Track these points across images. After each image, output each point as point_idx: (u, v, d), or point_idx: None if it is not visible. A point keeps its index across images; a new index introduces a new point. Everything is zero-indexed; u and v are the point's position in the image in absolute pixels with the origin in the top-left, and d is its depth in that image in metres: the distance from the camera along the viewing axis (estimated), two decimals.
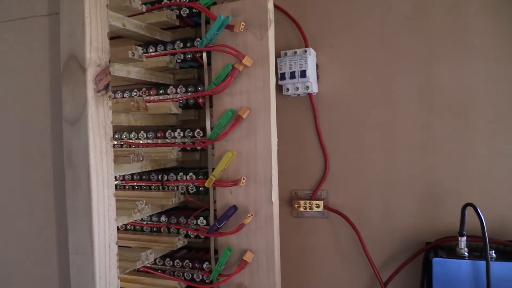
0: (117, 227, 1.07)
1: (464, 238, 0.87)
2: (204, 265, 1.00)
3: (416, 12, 0.98)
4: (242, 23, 0.91)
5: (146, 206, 0.92)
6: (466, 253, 0.87)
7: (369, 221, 1.03)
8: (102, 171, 0.74)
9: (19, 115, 0.82)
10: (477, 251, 0.88)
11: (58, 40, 0.73)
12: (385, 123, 1.01)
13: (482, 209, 0.87)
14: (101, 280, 0.74)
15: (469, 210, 0.86)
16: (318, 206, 1.05)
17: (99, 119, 0.74)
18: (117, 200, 0.96)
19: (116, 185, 1.08)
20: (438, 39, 0.97)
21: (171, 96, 1.03)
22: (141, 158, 0.89)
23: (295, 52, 1.00)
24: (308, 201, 1.06)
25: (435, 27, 0.97)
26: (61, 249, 0.77)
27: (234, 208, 0.95)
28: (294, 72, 0.99)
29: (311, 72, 1.00)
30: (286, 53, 1.01)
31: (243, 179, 0.92)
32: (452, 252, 0.89)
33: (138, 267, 0.90)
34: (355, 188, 1.04)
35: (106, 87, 0.75)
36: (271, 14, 0.92)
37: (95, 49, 0.73)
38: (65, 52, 0.73)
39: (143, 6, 0.90)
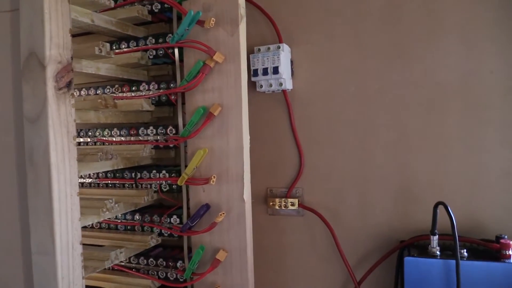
0: (91, 225, 1.07)
1: (436, 237, 0.86)
2: (178, 264, 0.99)
3: (391, 7, 0.97)
4: (213, 18, 0.89)
5: (116, 205, 0.91)
6: (438, 252, 0.86)
7: (344, 219, 1.02)
8: (64, 170, 0.73)
9: None
10: (450, 250, 0.87)
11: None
12: (360, 120, 1.00)
13: (456, 207, 0.87)
14: (64, 280, 0.72)
15: (442, 208, 0.85)
16: (293, 204, 1.04)
17: (60, 117, 0.72)
18: (87, 199, 0.96)
19: (90, 183, 1.08)
20: (412, 34, 0.96)
21: (143, 93, 1.01)
22: (110, 156, 0.88)
23: (269, 48, 0.99)
24: (283, 199, 1.05)
25: (409, 22, 0.96)
26: (26, 249, 0.76)
27: (206, 206, 0.94)
28: (266, 68, 0.97)
29: (285, 69, 0.98)
30: (259, 49, 1.00)
31: (214, 177, 0.91)
32: (424, 251, 0.88)
33: (106, 267, 0.89)
34: (330, 186, 1.03)
35: (68, 85, 0.74)
36: (242, 10, 0.91)
37: (55, 45, 0.71)
38: (25, 49, 0.71)
39: (111, 1, 0.89)
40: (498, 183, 0.90)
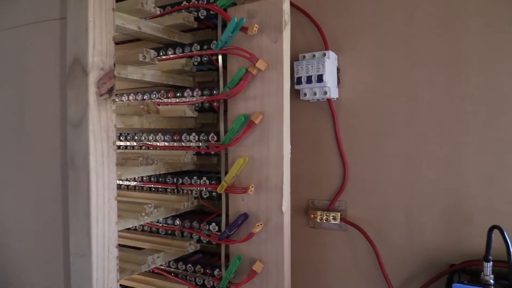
0: (134, 227, 1.09)
1: (489, 264, 0.78)
2: (215, 272, 0.99)
3: (446, 12, 0.90)
4: (256, 25, 0.88)
5: (155, 210, 0.92)
6: (492, 281, 0.78)
7: (389, 237, 0.96)
8: (102, 174, 0.74)
9: (31, 117, 0.84)
10: (506, 279, 0.79)
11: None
12: (409, 133, 0.94)
13: None
14: (99, 282, 0.74)
15: (498, 232, 0.78)
16: (334, 218, 0.99)
17: (101, 123, 0.74)
18: (128, 202, 0.98)
19: (134, 186, 1.11)
20: (468, 42, 0.88)
21: (187, 99, 1.02)
22: (151, 162, 0.89)
23: (314, 55, 0.96)
24: (325, 212, 1.01)
25: (466, 29, 0.88)
26: (66, 250, 0.78)
27: (244, 216, 0.92)
28: (311, 76, 0.94)
29: (330, 77, 0.95)
30: (304, 56, 0.97)
31: (252, 187, 0.89)
32: (476, 278, 0.81)
33: (143, 270, 0.90)
34: (375, 201, 0.98)
35: (110, 91, 0.75)
36: (286, 16, 0.89)
37: (98, 52, 0.73)
38: (70, 56, 0.74)
39: (157, 8, 0.90)
40: None
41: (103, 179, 0.74)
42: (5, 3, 0.88)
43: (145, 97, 1.08)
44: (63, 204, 0.79)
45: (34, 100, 0.84)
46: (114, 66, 0.76)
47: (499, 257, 0.79)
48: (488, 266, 0.79)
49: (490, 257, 0.78)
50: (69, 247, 0.76)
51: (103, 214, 0.74)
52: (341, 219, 0.99)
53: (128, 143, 1.12)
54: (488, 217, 0.86)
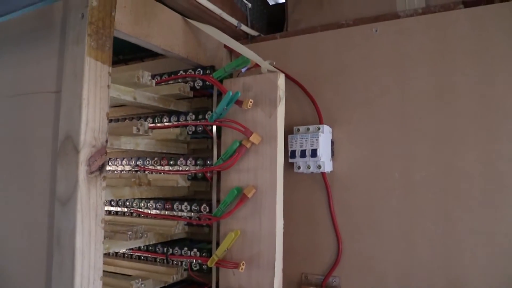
0: None
1: None
2: None
3: (440, 90, 0.91)
4: (251, 100, 0.88)
5: (143, 285, 0.89)
6: None
7: None
8: (89, 254, 0.72)
9: (20, 190, 0.82)
10: None
11: None
12: (404, 209, 0.92)
13: None
14: None
15: None
16: None
17: (89, 201, 0.72)
18: (115, 275, 0.94)
19: (123, 253, 1.08)
20: (463, 119, 0.89)
21: (181, 168, 1.01)
22: (140, 235, 0.87)
23: (308, 129, 0.96)
24: None
25: (461, 107, 0.89)
26: None
27: None
28: (305, 150, 0.94)
29: (323, 151, 0.94)
30: (298, 129, 0.97)
31: (243, 264, 0.86)
32: None
33: None
34: (370, 278, 0.95)
35: (101, 168, 0.74)
36: (281, 91, 0.89)
37: (91, 130, 0.72)
38: (63, 132, 0.73)
39: (153, 81, 0.90)
40: None
41: (89, 259, 0.72)
42: (11, 70, 0.88)
43: (138, 162, 1.07)
44: (47, 282, 0.77)
45: (21, 172, 0.83)
46: (107, 142, 0.75)
47: None
48: None
49: None
50: None
51: None
52: None
53: (119, 209, 1.10)
54: None
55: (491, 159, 0.86)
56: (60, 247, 0.71)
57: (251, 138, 0.88)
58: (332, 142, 1.00)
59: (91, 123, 0.73)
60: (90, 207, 0.72)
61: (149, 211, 1.03)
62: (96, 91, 0.74)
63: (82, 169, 0.71)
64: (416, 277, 0.90)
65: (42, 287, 0.76)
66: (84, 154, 0.71)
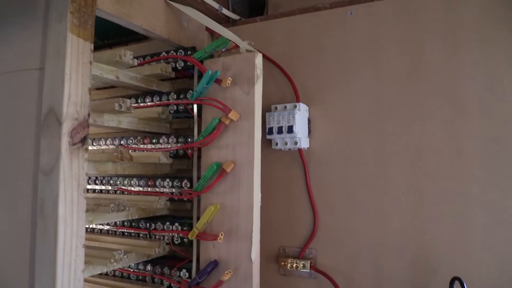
0: (106, 272, 1.09)
1: None
2: None
3: (411, 70, 0.96)
4: (229, 78, 0.92)
5: (125, 256, 0.92)
6: None
7: (357, 286, 0.97)
8: (71, 222, 0.75)
9: (4, 164, 0.85)
10: None
11: None
12: (376, 183, 0.97)
13: (479, 282, 0.82)
14: None
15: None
16: (304, 266, 1.00)
17: (72, 171, 0.75)
18: (99, 248, 0.98)
19: (107, 230, 1.11)
20: (434, 98, 0.93)
21: (163, 146, 1.04)
22: (122, 208, 0.90)
23: (285, 107, 1.00)
24: (295, 260, 1.02)
25: (430, 86, 0.94)
26: None
27: (214, 263, 0.93)
28: (281, 127, 0.98)
29: (300, 127, 0.98)
30: (276, 108, 1.01)
31: (221, 234, 0.90)
32: None
33: None
34: (344, 249, 0.99)
35: (83, 140, 0.77)
36: (258, 70, 0.93)
37: (73, 103, 0.76)
38: (46, 106, 0.76)
39: (135, 60, 0.93)
40: None
41: (72, 226, 0.75)
42: None
43: (122, 142, 1.10)
44: (31, 251, 0.80)
45: (7, 147, 0.86)
46: (89, 116, 0.79)
47: None
48: None
49: None
50: None
51: (69, 261, 0.75)
52: (311, 267, 1.00)
53: (103, 187, 1.13)
54: (452, 268, 0.88)
55: (457, 136, 0.91)
56: (44, 216, 0.75)
57: (229, 115, 0.92)
58: (309, 120, 1.04)
59: (73, 97, 0.76)
60: (73, 177, 0.75)
61: (132, 188, 1.07)
62: (78, 67, 0.77)
63: (65, 141, 0.74)
64: (388, 246, 0.95)
65: (27, 254, 0.79)
66: (66, 126, 0.74)
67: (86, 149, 0.78)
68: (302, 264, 1.01)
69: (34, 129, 0.81)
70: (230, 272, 0.89)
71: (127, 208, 0.90)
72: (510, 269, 0.85)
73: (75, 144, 0.76)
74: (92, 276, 1.01)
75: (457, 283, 0.79)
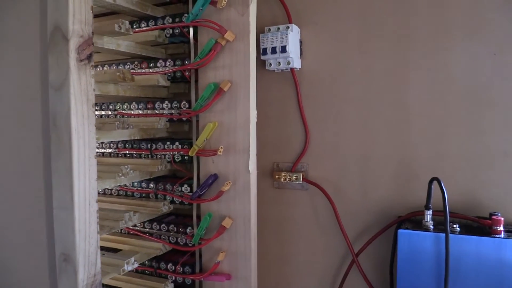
0: (109, 191, 1.16)
1: (430, 212, 0.90)
2: (188, 230, 1.07)
3: None
4: None
5: (131, 171, 0.99)
6: (432, 226, 0.90)
7: (345, 195, 1.07)
8: (83, 134, 0.80)
9: (12, 82, 0.89)
10: (444, 225, 0.91)
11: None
12: (364, 99, 1.04)
13: (456, 185, 0.92)
14: (81, 233, 0.80)
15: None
16: (297, 178, 1.09)
17: (81, 86, 0.79)
18: (105, 165, 1.04)
19: (110, 153, 1.17)
20: (421, 17, 0.98)
21: (160, 69, 1.08)
22: (127, 126, 0.95)
23: (278, 28, 1.04)
24: (288, 173, 1.11)
25: (417, 5, 0.99)
26: (49, 205, 0.84)
27: (214, 176, 1.00)
28: (275, 47, 1.02)
29: (293, 48, 1.03)
30: (269, 29, 1.05)
31: (221, 148, 0.97)
32: (419, 225, 0.92)
33: (121, 227, 0.96)
34: (334, 162, 1.08)
35: (89, 57, 0.81)
36: None
37: (78, 21, 0.78)
38: (51, 24, 0.79)
39: None
40: (497, 164, 0.93)
41: (84, 138, 0.80)
42: None
43: (120, 67, 1.13)
44: (45, 163, 0.85)
45: (13, 66, 0.89)
46: (92, 34, 0.82)
47: (440, 208, 0.90)
48: (429, 214, 0.90)
49: (430, 205, 0.90)
50: (52, 202, 0.82)
51: (84, 170, 0.81)
52: (303, 179, 1.09)
53: (103, 112, 1.17)
54: (432, 174, 0.97)
55: (439, 52, 0.97)
56: (57, 128, 0.79)
57: (225, 36, 0.96)
58: (301, 42, 1.09)
59: (77, 15, 0.78)
60: (82, 92, 0.80)
61: (132, 112, 1.12)
62: None
63: (73, 57, 0.78)
64: (374, 157, 1.04)
65: (40, 167, 0.85)
66: (73, 43, 0.78)
67: (92, 66, 0.82)
68: (295, 176, 1.10)
69: (39, 47, 0.84)
70: (229, 183, 0.97)
71: (131, 126, 0.96)
72: (481, 173, 0.95)
73: (82, 61, 0.80)
74: (99, 194, 1.08)
75: (435, 183, 0.89)
